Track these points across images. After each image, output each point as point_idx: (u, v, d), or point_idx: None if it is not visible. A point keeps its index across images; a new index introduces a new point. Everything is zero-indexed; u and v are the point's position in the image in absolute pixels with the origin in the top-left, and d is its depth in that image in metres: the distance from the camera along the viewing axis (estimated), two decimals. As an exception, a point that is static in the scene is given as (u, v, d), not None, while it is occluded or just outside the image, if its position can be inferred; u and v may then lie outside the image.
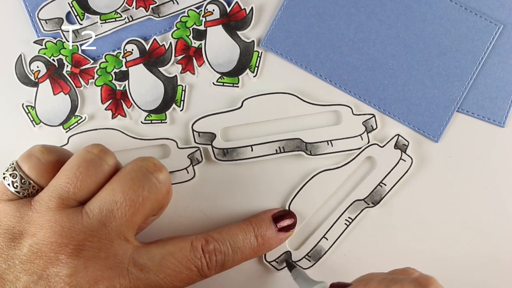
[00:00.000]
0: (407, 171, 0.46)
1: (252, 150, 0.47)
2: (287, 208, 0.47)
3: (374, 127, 0.47)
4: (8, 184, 0.37)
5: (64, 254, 0.34)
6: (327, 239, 0.47)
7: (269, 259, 0.47)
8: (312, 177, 0.47)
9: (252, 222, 0.43)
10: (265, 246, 0.43)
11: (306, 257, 0.47)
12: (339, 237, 0.47)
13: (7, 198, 0.37)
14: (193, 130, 0.47)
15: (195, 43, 0.48)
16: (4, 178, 0.38)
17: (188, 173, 0.47)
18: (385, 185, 0.46)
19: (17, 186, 0.37)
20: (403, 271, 0.36)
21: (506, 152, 0.47)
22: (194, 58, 0.48)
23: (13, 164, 0.38)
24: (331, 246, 0.47)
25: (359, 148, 0.47)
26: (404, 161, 0.46)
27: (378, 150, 0.47)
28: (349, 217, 0.47)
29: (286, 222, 0.45)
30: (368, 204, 0.47)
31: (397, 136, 0.47)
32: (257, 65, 0.48)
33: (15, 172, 0.37)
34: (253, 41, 0.48)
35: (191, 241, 0.39)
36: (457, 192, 0.47)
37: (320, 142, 0.47)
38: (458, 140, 0.47)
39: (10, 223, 0.35)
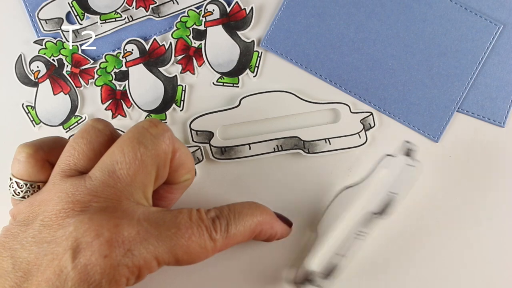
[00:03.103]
0: (417, 178, 0.46)
1: (250, 149, 0.47)
2: (317, 229, 0.46)
3: (372, 125, 0.47)
4: (13, 195, 0.38)
5: (70, 217, 0.34)
6: (343, 256, 0.45)
7: (294, 281, 0.46)
8: (336, 196, 0.46)
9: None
10: (266, 218, 0.41)
11: (325, 275, 0.46)
12: (355, 251, 0.46)
13: (19, 201, 0.38)
14: (190, 129, 0.47)
15: (195, 43, 0.48)
16: (9, 191, 0.39)
17: None
18: (397, 194, 0.46)
19: (19, 193, 0.38)
20: None
21: (506, 152, 0.47)
22: (194, 58, 0.48)
23: (10, 176, 0.38)
24: (348, 262, 0.46)
25: (357, 146, 0.47)
26: (414, 167, 0.46)
27: (389, 159, 0.46)
28: (362, 231, 0.45)
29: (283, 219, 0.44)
30: (382, 215, 0.46)
31: (405, 143, 0.46)
32: (257, 65, 0.48)
33: (12, 182, 0.38)
34: (253, 41, 0.48)
35: (196, 208, 0.38)
36: (457, 192, 0.47)
37: (318, 140, 0.47)
38: (458, 140, 0.47)
39: (24, 215, 0.36)
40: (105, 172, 0.35)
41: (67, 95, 0.48)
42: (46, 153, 0.38)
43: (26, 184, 0.38)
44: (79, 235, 0.33)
